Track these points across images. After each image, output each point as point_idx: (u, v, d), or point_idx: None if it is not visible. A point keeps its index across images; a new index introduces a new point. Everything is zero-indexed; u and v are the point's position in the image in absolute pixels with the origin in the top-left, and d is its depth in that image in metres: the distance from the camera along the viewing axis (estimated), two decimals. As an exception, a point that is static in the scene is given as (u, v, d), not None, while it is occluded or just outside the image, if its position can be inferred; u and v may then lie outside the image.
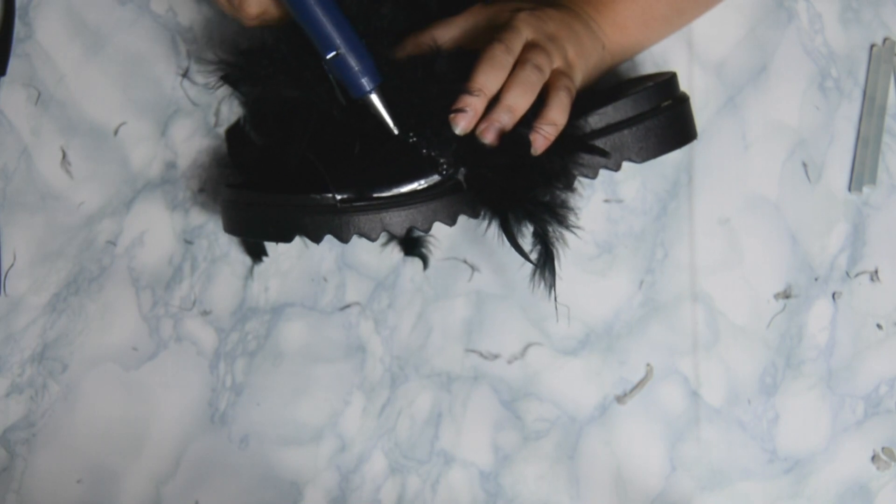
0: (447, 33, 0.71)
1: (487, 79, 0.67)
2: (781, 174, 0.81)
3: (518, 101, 0.67)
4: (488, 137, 0.67)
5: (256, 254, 0.78)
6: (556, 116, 0.68)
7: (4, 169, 0.79)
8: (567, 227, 0.69)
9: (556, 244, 0.69)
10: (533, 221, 0.68)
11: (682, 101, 0.74)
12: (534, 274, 0.70)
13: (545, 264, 0.69)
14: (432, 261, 0.79)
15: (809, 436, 0.79)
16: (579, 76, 0.72)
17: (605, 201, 0.80)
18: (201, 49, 0.80)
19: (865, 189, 0.80)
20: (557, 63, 0.70)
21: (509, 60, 0.68)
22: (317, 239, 0.68)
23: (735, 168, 0.81)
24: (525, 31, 0.69)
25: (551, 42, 0.70)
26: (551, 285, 0.70)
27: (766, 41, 0.81)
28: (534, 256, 0.69)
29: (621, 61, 0.77)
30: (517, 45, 0.69)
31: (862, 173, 0.81)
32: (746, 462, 0.79)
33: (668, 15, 0.76)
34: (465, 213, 0.70)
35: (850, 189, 0.81)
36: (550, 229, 0.69)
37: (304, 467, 0.78)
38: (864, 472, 0.79)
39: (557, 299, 0.70)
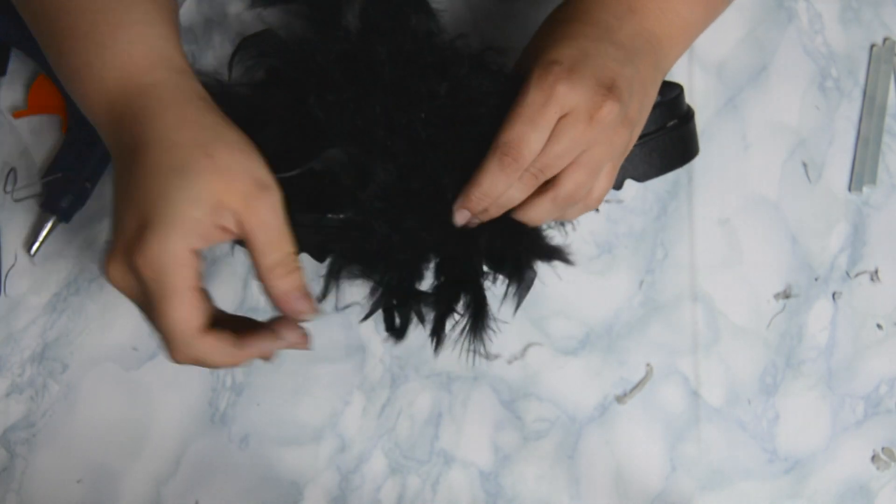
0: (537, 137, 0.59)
1: (493, 187, 0.60)
2: (781, 174, 0.81)
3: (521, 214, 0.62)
4: (459, 221, 0.63)
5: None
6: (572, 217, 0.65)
7: (4, 169, 0.79)
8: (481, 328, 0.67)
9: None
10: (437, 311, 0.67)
11: (688, 120, 0.71)
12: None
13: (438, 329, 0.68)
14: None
15: (809, 436, 0.79)
16: (638, 131, 0.64)
17: (605, 201, 0.80)
18: (201, 50, 0.80)
19: (865, 189, 0.80)
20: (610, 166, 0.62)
21: (519, 181, 0.60)
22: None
23: (735, 168, 0.80)
24: (577, 144, 0.59)
25: (622, 126, 0.60)
26: (438, 344, 0.68)
27: (766, 41, 0.81)
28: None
29: None
30: (550, 170, 0.60)
31: (862, 173, 0.81)
32: (746, 462, 0.79)
33: (707, 24, 0.69)
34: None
35: (850, 189, 0.81)
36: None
37: (304, 467, 0.78)
38: (864, 472, 0.79)
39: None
